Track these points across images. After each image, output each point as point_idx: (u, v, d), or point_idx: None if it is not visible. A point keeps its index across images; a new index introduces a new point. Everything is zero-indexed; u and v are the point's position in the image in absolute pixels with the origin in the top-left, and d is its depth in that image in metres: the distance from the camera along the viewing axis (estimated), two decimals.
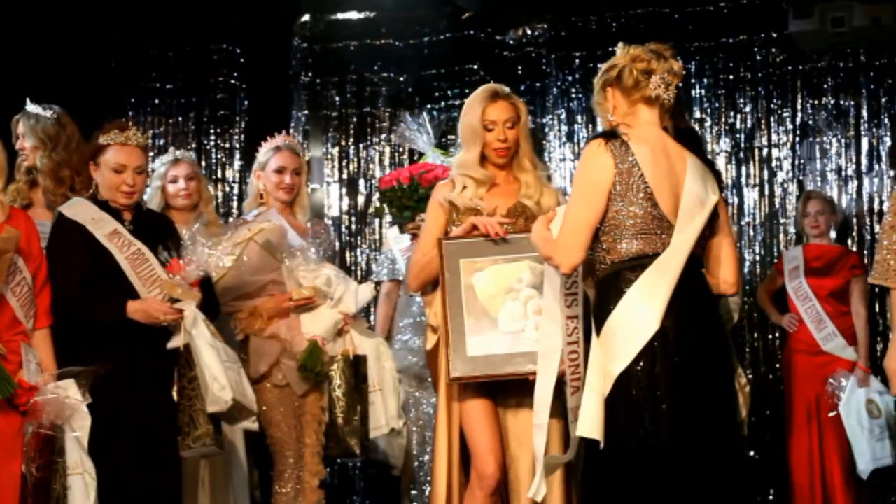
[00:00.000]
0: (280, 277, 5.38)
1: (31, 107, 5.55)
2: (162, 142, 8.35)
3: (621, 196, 3.96)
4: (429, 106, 8.30)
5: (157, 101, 8.54)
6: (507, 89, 4.88)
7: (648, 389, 3.88)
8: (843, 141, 8.13)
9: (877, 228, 7.89)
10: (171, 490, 4.90)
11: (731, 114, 8.29)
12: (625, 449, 3.90)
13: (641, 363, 3.89)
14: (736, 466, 4.03)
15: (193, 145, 8.48)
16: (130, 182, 4.94)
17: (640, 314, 3.88)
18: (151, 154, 7.16)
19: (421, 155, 6.94)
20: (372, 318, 7.43)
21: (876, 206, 8.01)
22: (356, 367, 5.39)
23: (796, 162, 8.19)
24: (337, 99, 8.77)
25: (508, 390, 4.67)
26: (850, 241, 7.94)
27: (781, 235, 8.19)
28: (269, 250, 5.31)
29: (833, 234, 7.71)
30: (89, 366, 4.57)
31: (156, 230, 5.04)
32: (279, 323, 5.36)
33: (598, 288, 4.06)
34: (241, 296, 5.34)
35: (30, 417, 4.44)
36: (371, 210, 8.61)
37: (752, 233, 8.24)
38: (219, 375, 4.75)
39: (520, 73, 8.40)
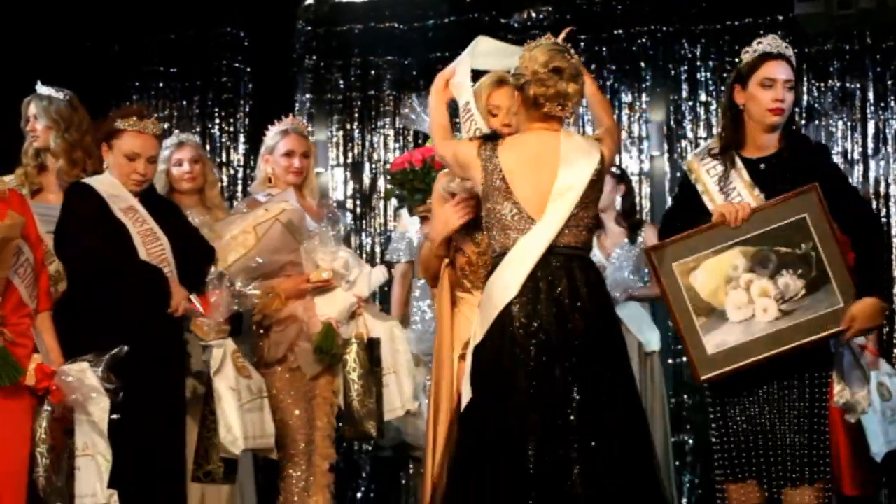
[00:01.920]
0: (298, 259, 5.40)
1: (42, 88, 5.55)
2: (166, 125, 8.25)
3: (489, 196, 4.40)
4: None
5: (160, 85, 8.61)
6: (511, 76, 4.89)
7: (493, 360, 4.30)
8: (849, 124, 8.15)
9: (883, 211, 7.92)
10: (176, 472, 4.92)
11: None
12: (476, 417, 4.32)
13: (492, 339, 4.31)
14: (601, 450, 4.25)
15: (198, 129, 8.51)
16: (142, 171, 4.97)
17: (493, 297, 4.32)
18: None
19: (427, 138, 6.93)
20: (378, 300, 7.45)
21: (882, 189, 8.03)
22: (371, 351, 5.41)
23: None
24: (341, 82, 8.79)
25: None
26: None
27: None
28: (291, 230, 5.33)
29: None
30: (102, 349, 4.60)
31: (162, 212, 5.06)
32: (296, 304, 5.38)
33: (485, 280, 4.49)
34: (260, 276, 5.34)
35: (50, 400, 4.50)
36: (379, 193, 8.65)
37: None
38: (233, 425, 4.89)
39: None
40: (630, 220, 7.12)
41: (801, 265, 4.47)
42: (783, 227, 4.49)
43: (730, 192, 4.59)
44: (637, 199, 8.23)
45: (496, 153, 4.38)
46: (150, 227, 4.92)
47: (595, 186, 4.40)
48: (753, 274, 4.55)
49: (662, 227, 4.81)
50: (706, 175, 4.66)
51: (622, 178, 7.22)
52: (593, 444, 4.20)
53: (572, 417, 4.19)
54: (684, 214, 4.66)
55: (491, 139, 4.46)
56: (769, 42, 4.64)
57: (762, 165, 4.59)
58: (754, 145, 4.61)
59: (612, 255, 7.00)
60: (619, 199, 7.14)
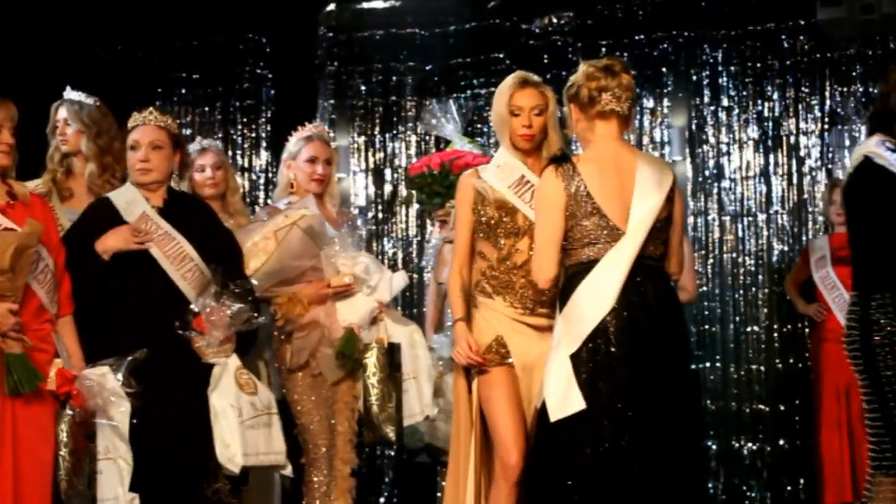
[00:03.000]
0: (318, 264, 5.41)
1: (72, 93, 5.62)
2: (189, 131, 8.41)
3: (573, 214, 4.42)
4: (455, 95, 8.32)
5: (184, 91, 8.67)
6: (536, 77, 4.91)
7: (590, 373, 4.33)
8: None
9: None
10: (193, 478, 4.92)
11: (759, 102, 8.32)
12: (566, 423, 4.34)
13: (583, 352, 4.33)
14: (681, 458, 4.35)
15: (220, 135, 8.57)
16: (142, 157, 4.98)
17: (586, 308, 4.36)
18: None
19: (447, 143, 6.98)
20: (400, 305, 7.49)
21: None
22: (391, 355, 5.43)
23: (824, 150, 8.22)
24: (363, 88, 8.81)
25: (534, 378, 4.67)
26: None
27: (810, 224, 8.23)
28: (311, 236, 5.35)
29: None
30: (122, 354, 4.65)
31: (187, 212, 5.09)
32: (318, 309, 5.40)
33: (561, 289, 4.49)
34: (281, 282, 5.37)
35: (72, 404, 4.54)
36: (400, 198, 8.68)
37: (780, 221, 8.29)
38: (232, 442, 4.85)
39: (545, 61, 8.41)
40: None
41: None
42: None
43: None
44: None
45: (576, 170, 4.44)
46: (165, 231, 4.92)
47: (670, 200, 4.47)
48: None
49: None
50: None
51: None
52: (672, 450, 4.30)
53: (661, 423, 4.29)
54: None
55: (562, 160, 4.52)
56: None
57: None
58: None
59: None
60: None
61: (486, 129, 8.18)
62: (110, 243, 4.86)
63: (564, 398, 4.32)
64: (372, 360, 5.39)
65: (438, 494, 6.62)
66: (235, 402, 4.87)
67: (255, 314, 4.99)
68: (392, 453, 8.07)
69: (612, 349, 4.31)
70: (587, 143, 4.55)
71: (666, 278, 4.52)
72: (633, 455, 4.26)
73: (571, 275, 4.43)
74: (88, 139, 5.52)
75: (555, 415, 4.32)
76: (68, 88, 5.66)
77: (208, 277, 4.94)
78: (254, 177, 8.76)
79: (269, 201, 7.25)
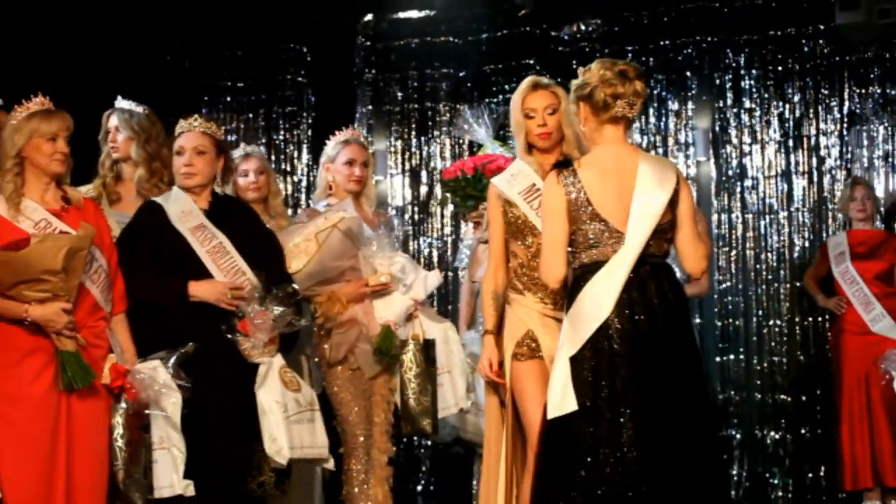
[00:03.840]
0: (357, 264, 5.50)
1: (123, 102, 5.71)
2: (234, 137, 8.43)
3: (575, 218, 4.41)
4: (487, 100, 8.32)
5: (228, 99, 8.70)
6: (546, 80, 4.96)
7: (592, 372, 4.32)
8: (889, 129, 8.21)
9: None
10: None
11: (780, 104, 8.34)
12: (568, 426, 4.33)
13: (587, 351, 4.33)
14: (693, 458, 4.31)
15: (263, 140, 8.59)
16: (187, 161, 5.06)
17: (589, 308, 4.34)
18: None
19: (480, 146, 7.00)
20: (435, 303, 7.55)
21: None
22: (427, 351, 5.51)
23: (844, 150, 8.25)
24: (399, 94, 8.84)
25: None
26: None
27: (830, 221, 8.26)
28: (350, 237, 5.44)
29: (877, 220, 7.79)
30: (173, 347, 4.76)
31: (231, 214, 5.17)
32: (356, 307, 5.49)
33: (568, 292, 4.49)
34: (322, 281, 5.46)
35: (125, 398, 4.66)
36: (434, 200, 8.72)
37: (801, 219, 8.32)
38: (278, 436, 4.92)
39: (574, 67, 8.20)
40: None
41: None
42: None
43: None
44: None
45: (577, 176, 4.42)
46: (220, 243, 5.02)
47: (674, 200, 4.44)
48: None
49: None
50: None
51: None
52: (680, 445, 4.27)
53: (665, 419, 4.27)
54: None
55: (565, 165, 4.48)
56: None
57: None
58: None
59: None
60: None
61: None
62: (202, 294, 4.93)
63: (561, 399, 4.32)
64: (409, 355, 5.47)
65: (474, 482, 6.72)
66: (281, 399, 4.94)
67: (297, 317, 5.04)
68: (428, 443, 8.13)
69: (615, 347, 4.30)
70: (592, 144, 4.52)
71: (672, 276, 4.47)
72: (639, 455, 4.24)
73: (577, 277, 4.43)
74: (138, 145, 5.57)
75: (552, 413, 4.34)
76: (119, 98, 5.75)
77: (256, 286, 5.00)
78: (295, 180, 8.79)
79: (310, 203, 7.18)
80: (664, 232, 4.44)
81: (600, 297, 4.34)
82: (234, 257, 5.03)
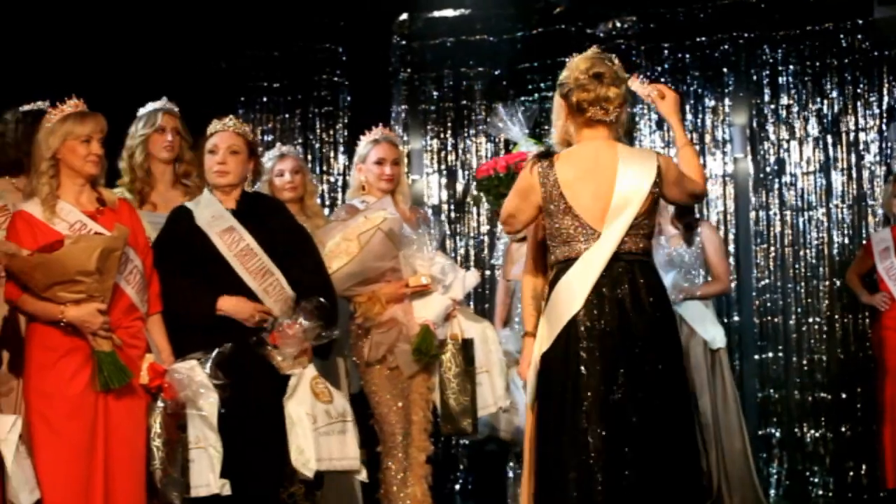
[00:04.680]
0: (397, 265, 5.55)
1: (168, 103, 5.73)
2: (270, 137, 8.52)
3: (550, 212, 4.40)
4: (522, 98, 8.34)
5: (265, 100, 8.76)
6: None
7: (561, 371, 4.32)
8: None
9: None
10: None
11: (818, 99, 8.32)
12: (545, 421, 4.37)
13: (559, 348, 4.33)
14: (661, 453, 4.30)
15: (300, 140, 8.66)
16: (220, 160, 5.12)
17: (560, 305, 4.34)
18: (260, 150, 7.31)
19: (515, 144, 7.01)
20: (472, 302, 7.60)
21: None
22: (465, 351, 5.55)
23: (883, 145, 8.20)
24: (435, 93, 8.89)
25: None
26: None
27: (869, 217, 8.22)
28: (391, 238, 5.48)
29: None
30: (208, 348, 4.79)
31: (259, 211, 5.20)
32: (396, 307, 5.52)
33: (547, 288, 4.48)
34: (362, 281, 5.50)
35: (163, 397, 4.70)
36: (469, 199, 8.74)
37: (839, 215, 8.28)
38: (306, 448, 4.94)
39: None
40: (685, 220, 6.95)
41: None
42: None
43: None
44: (722, 200, 8.38)
45: (553, 168, 4.37)
46: (247, 245, 5.04)
47: (654, 196, 4.39)
48: None
49: None
50: None
51: None
52: (649, 441, 4.25)
53: (634, 419, 4.24)
54: None
55: (546, 156, 4.44)
56: None
57: None
58: None
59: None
60: None
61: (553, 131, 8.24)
62: (231, 310, 4.96)
63: (532, 396, 4.40)
64: (447, 355, 5.53)
65: (510, 476, 6.81)
66: (311, 410, 4.96)
67: (327, 331, 5.05)
68: (466, 442, 8.14)
69: (581, 344, 4.28)
70: (572, 140, 4.48)
71: (650, 274, 4.42)
72: (604, 463, 4.22)
73: (554, 274, 4.42)
74: (186, 146, 5.66)
75: (527, 408, 4.43)
76: (164, 98, 5.76)
77: (289, 293, 5.04)
78: (332, 179, 8.84)
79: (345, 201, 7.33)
80: (640, 228, 4.39)
81: (571, 294, 4.32)
82: (262, 258, 5.05)
